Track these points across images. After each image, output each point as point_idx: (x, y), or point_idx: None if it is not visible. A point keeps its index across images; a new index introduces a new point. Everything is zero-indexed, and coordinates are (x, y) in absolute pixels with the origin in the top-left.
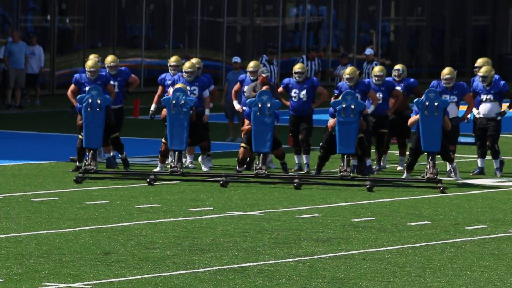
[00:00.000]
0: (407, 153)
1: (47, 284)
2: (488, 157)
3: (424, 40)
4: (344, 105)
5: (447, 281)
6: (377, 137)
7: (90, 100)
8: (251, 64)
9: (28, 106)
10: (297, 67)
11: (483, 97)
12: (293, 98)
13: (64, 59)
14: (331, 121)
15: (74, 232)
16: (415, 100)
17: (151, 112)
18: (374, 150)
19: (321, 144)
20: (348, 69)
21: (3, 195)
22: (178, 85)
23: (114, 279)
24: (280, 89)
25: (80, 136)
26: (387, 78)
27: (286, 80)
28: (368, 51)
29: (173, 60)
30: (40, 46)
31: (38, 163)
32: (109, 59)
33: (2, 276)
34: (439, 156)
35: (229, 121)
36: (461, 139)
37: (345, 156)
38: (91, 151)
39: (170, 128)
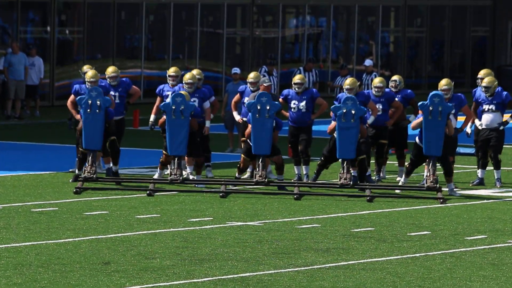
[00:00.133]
0: (406, 163)
1: None
2: (488, 168)
3: (423, 51)
4: (344, 110)
5: None
6: (377, 148)
7: (89, 101)
8: (252, 75)
9: (27, 117)
10: (296, 78)
11: (485, 107)
12: (292, 109)
13: (64, 70)
14: (331, 124)
15: (74, 242)
16: (419, 103)
17: (151, 122)
18: (374, 161)
19: (323, 151)
20: (348, 80)
21: (3, 205)
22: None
23: None
24: (280, 100)
25: (80, 149)
26: (387, 89)
27: (285, 92)
28: (368, 62)
29: (172, 70)
30: (39, 57)
31: (37, 173)
32: (110, 69)
33: (2, 286)
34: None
35: (228, 132)
36: (461, 149)
37: (345, 162)
38: (91, 155)
39: (169, 134)
